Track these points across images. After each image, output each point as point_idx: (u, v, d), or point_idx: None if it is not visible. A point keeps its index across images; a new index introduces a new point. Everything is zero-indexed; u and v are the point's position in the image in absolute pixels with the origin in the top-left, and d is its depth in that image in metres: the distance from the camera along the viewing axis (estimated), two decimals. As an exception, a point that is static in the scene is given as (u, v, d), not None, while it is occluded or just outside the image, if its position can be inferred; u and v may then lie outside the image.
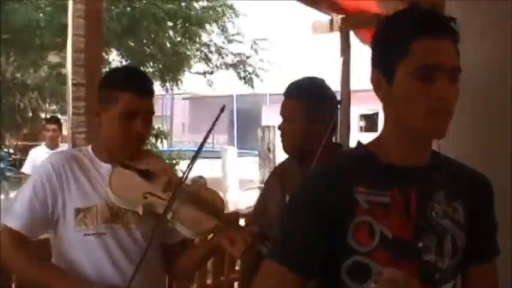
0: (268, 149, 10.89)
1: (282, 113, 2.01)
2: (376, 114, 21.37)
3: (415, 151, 1.24)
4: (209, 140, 1.68)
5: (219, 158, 12.91)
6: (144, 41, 10.21)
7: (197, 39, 10.93)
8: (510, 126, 2.27)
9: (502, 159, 2.24)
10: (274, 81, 12.73)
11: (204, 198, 1.72)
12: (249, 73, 11.47)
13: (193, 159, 1.70)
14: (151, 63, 10.32)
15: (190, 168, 1.68)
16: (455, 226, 1.25)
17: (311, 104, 2.02)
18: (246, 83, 11.32)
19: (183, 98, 30.60)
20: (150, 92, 1.72)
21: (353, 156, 1.31)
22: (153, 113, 1.74)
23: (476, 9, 2.32)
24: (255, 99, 24.43)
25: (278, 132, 2.11)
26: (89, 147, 1.78)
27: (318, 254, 1.22)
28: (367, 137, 1.42)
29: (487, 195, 1.33)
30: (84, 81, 2.69)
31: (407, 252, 1.20)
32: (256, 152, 11.88)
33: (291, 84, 2.11)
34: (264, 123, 15.22)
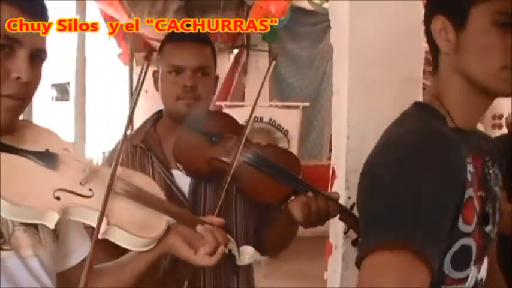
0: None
1: (185, 61, 1.51)
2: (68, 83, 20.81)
3: (478, 112, 1.11)
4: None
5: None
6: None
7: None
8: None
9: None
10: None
11: (144, 188, 1.11)
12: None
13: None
14: None
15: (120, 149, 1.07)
16: (501, 193, 1.17)
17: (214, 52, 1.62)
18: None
19: None
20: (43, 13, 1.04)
21: (431, 118, 1.07)
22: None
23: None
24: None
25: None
26: None
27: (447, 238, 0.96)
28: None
29: (505, 157, 1.25)
30: None
31: (481, 225, 1.06)
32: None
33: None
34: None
